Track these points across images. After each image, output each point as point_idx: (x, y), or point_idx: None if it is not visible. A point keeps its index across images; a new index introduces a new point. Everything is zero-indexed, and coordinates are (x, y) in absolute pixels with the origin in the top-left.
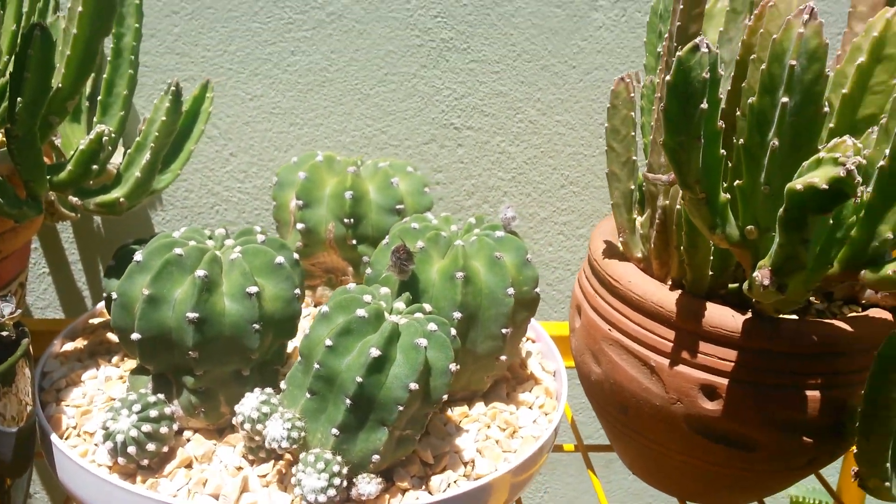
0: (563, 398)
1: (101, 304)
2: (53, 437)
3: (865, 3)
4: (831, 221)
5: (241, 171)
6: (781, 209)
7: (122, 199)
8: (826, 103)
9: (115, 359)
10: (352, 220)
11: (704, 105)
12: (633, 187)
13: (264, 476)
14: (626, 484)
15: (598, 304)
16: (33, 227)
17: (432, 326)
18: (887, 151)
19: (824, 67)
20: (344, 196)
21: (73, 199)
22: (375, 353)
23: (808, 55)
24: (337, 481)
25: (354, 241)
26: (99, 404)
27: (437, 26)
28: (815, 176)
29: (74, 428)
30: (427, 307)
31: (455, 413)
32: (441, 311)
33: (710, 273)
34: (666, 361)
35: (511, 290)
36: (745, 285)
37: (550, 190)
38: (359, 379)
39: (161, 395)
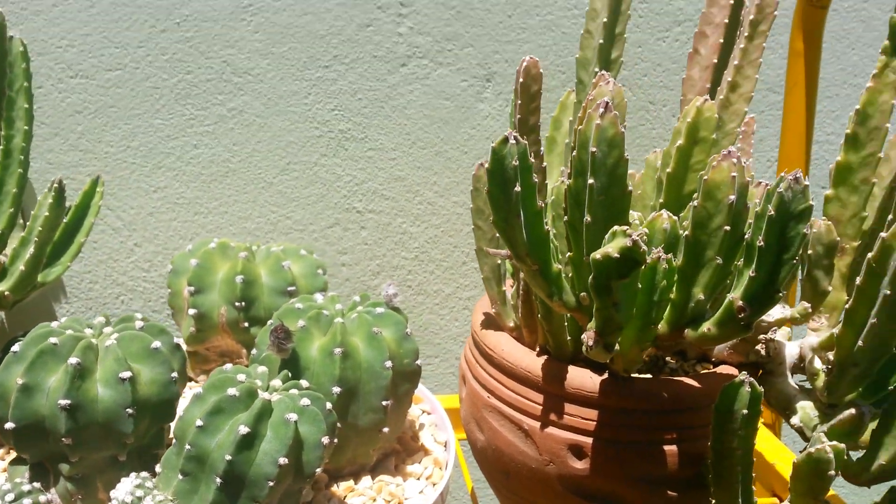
0: (450, 465)
1: None
2: None
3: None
4: (640, 286)
5: (146, 261)
6: (590, 277)
7: (7, 293)
8: (630, 184)
9: (0, 451)
10: (243, 303)
11: (518, 188)
12: (499, 262)
13: None
14: None
15: (478, 374)
16: None
17: (305, 401)
18: (689, 223)
19: (623, 152)
20: (235, 280)
21: None
22: (244, 430)
23: (608, 143)
24: None
25: (247, 324)
26: None
27: (334, 118)
28: (610, 247)
29: None
30: (304, 383)
31: (341, 488)
32: (321, 386)
33: (570, 338)
34: (537, 424)
35: (389, 364)
36: (584, 349)
37: (453, 267)
38: (228, 457)
39: (37, 484)
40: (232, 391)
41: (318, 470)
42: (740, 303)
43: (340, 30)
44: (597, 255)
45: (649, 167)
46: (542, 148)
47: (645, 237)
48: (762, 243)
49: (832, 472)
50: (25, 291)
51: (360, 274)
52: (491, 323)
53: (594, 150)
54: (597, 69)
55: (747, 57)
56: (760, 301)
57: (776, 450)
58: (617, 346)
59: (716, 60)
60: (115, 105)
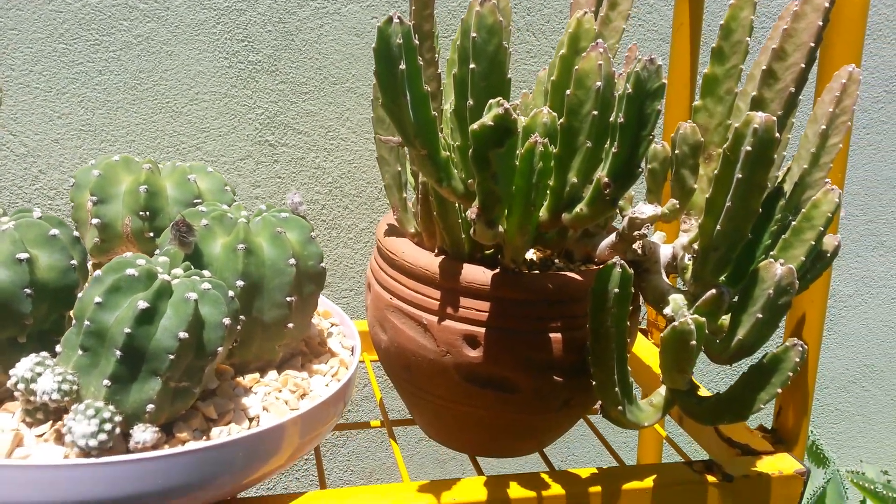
0: (354, 362)
1: None
2: None
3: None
4: (519, 166)
5: (51, 189)
6: (470, 150)
7: None
8: (508, 70)
9: None
10: (147, 212)
11: (402, 66)
12: (400, 169)
13: (41, 435)
14: (432, 454)
15: (382, 278)
16: None
17: (206, 286)
18: (564, 112)
19: (501, 40)
20: (139, 190)
21: None
22: (143, 304)
23: (487, 30)
24: (108, 426)
25: (152, 234)
26: None
27: (244, 49)
28: (486, 118)
29: None
30: (206, 273)
31: (246, 379)
32: (225, 281)
33: (465, 237)
34: (435, 318)
35: (293, 261)
36: (471, 231)
37: (367, 202)
38: (127, 330)
39: None
40: (131, 271)
41: (220, 349)
42: (605, 179)
43: None
44: (474, 126)
45: (539, 83)
46: (437, 55)
47: (517, 108)
48: (622, 120)
49: (694, 342)
50: None
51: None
52: (393, 231)
53: (475, 35)
54: None
55: None
56: (623, 176)
57: (655, 355)
58: (502, 228)
59: None
60: (16, 28)
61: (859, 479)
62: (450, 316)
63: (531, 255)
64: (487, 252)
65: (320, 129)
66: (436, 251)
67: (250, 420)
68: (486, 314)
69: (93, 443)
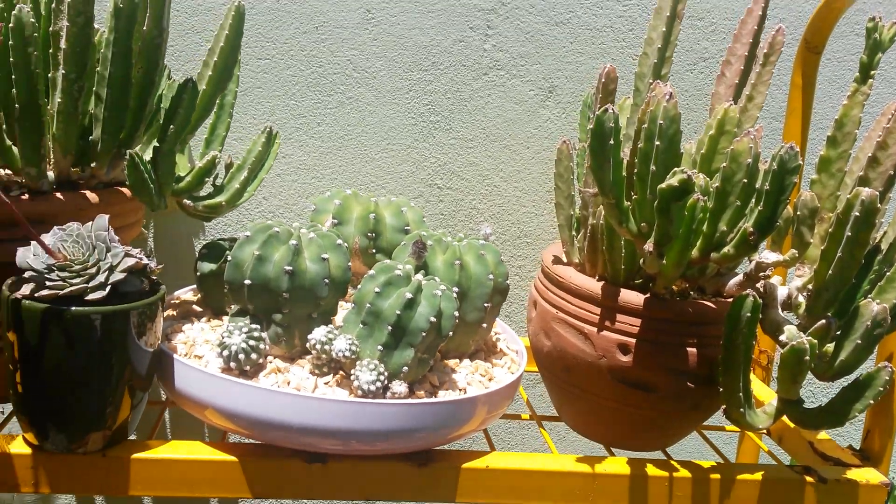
0: (523, 360)
1: (178, 292)
2: (175, 357)
3: (723, 87)
4: (685, 216)
5: (271, 212)
6: (656, 202)
7: (223, 203)
8: (682, 148)
9: (203, 319)
10: (373, 234)
11: (612, 141)
12: (572, 213)
13: (327, 383)
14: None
15: (548, 296)
16: (139, 226)
17: (443, 287)
18: (719, 178)
19: (679, 126)
20: (369, 217)
21: (187, 202)
22: (409, 295)
23: (670, 119)
24: (382, 377)
25: (374, 251)
26: (200, 342)
27: (427, 111)
28: (672, 179)
29: (185, 354)
30: (436, 278)
31: (450, 362)
32: None
33: (623, 268)
34: (595, 329)
35: (491, 277)
36: (641, 261)
37: (510, 240)
38: (397, 312)
39: (258, 326)
40: (398, 271)
41: (450, 333)
42: (751, 229)
43: (439, 42)
44: (663, 185)
45: (686, 154)
46: None
47: (693, 177)
48: (767, 187)
49: (808, 358)
50: (234, 205)
51: None
52: (557, 260)
53: (661, 122)
54: (650, 80)
55: (760, 78)
56: (763, 228)
57: (767, 393)
58: (664, 261)
59: (737, 81)
60: (262, 87)
61: None
62: (607, 328)
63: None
64: (637, 281)
65: (478, 176)
66: (597, 277)
67: (459, 390)
68: (638, 328)
69: (372, 388)
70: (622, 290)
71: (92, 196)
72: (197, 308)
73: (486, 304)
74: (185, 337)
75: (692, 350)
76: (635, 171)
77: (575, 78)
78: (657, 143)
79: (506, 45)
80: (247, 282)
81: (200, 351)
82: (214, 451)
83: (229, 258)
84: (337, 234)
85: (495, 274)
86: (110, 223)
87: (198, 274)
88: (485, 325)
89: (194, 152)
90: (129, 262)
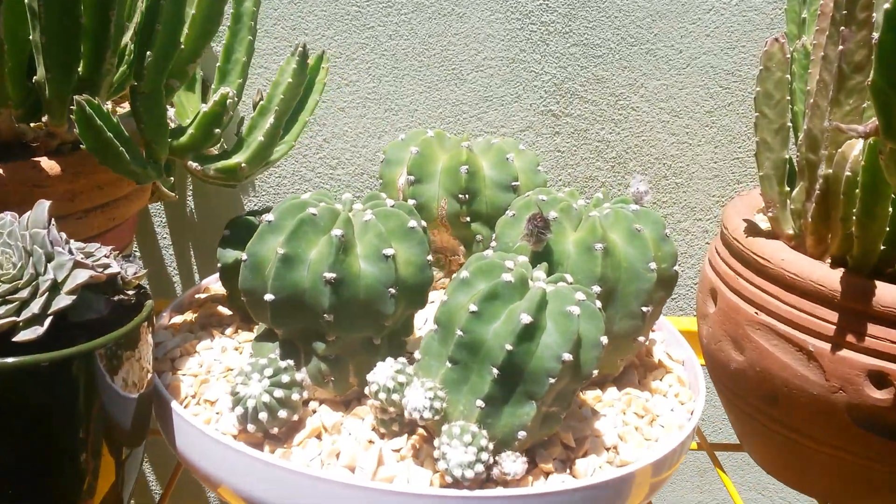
0: (701, 389)
1: (206, 280)
2: (174, 405)
3: None
4: None
5: (334, 158)
6: None
7: (243, 165)
8: None
9: (228, 330)
10: (466, 195)
11: None
12: (786, 157)
13: (398, 450)
14: (746, 482)
15: (740, 287)
16: (144, 198)
17: (580, 295)
18: None
19: None
20: (459, 171)
21: (193, 165)
22: (526, 318)
23: None
24: (484, 456)
25: (468, 219)
26: (216, 374)
27: (538, 9)
28: None
29: (193, 396)
30: (569, 278)
31: (588, 397)
32: (579, 284)
33: (884, 249)
34: (827, 346)
35: (652, 264)
36: None
37: (651, 181)
38: (508, 347)
39: (291, 362)
40: (507, 277)
41: (595, 372)
42: None
43: None
44: None
45: None
46: None
47: None
48: None
49: None
50: (259, 166)
51: (550, 183)
52: (757, 230)
53: None
54: None
55: None
56: None
57: None
58: None
59: None
60: None
61: None
62: (850, 345)
63: None
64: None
65: (609, 97)
66: (826, 261)
67: (607, 450)
68: None
69: (469, 473)
70: (879, 284)
71: (50, 165)
72: (224, 311)
73: (644, 309)
74: (199, 363)
75: None
76: None
77: None
78: None
79: None
80: (268, 297)
81: (215, 392)
82: None
83: (244, 257)
84: (408, 211)
85: (658, 259)
86: (87, 200)
87: (219, 265)
88: (641, 338)
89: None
90: (82, 275)
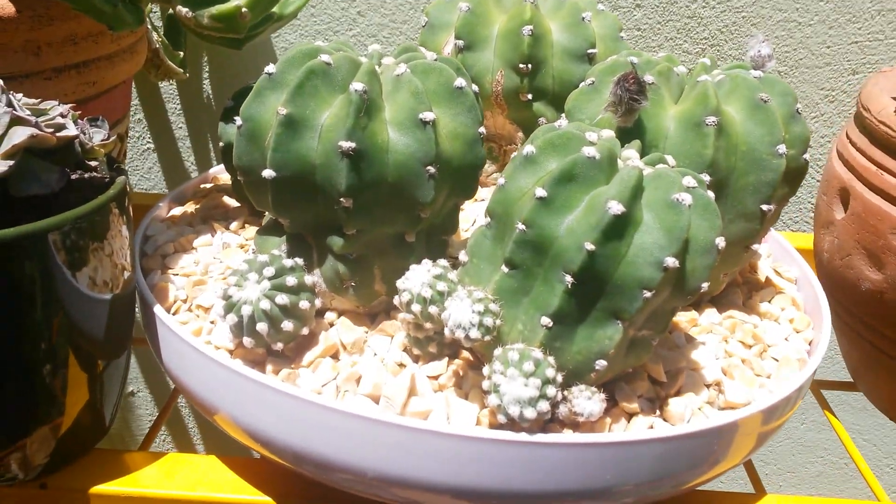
0: (824, 314)
1: (215, 169)
2: (157, 310)
3: None
4: None
5: (370, 35)
6: None
7: (244, 10)
8: None
9: (234, 225)
10: (528, 66)
11: None
12: None
13: (436, 378)
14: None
15: (884, 183)
16: (133, 61)
17: (689, 181)
18: None
19: None
20: (521, 34)
21: (183, 11)
22: (617, 208)
23: None
24: (550, 391)
25: (530, 96)
26: (215, 275)
27: None
28: None
29: (185, 301)
30: (670, 160)
31: (681, 319)
32: None
33: None
34: None
35: (782, 148)
36: None
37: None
38: (589, 246)
39: (300, 260)
40: (590, 151)
41: (704, 286)
42: None
43: None
44: None
45: None
46: None
47: None
48: None
49: None
50: (265, 10)
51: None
52: None
53: None
54: None
55: None
56: None
57: None
58: None
59: None
60: None
61: None
62: None
63: None
64: None
65: None
66: None
67: (707, 387)
68: None
69: (529, 412)
70: None
71: (2, 3)
72: (231, 202)
73: (764, 207)
74: (195, 261)
75: None
76: None
77: None
78: None
79: None
80: (267, 173)
81: (210, 296)
82: (241, 483)
83: (238, 122)
84: (455, 68)
85: (787, 142)
86: (55, 56)
87: (221, 144)
88: (756, 246)
89: None
90: (21, 133)
